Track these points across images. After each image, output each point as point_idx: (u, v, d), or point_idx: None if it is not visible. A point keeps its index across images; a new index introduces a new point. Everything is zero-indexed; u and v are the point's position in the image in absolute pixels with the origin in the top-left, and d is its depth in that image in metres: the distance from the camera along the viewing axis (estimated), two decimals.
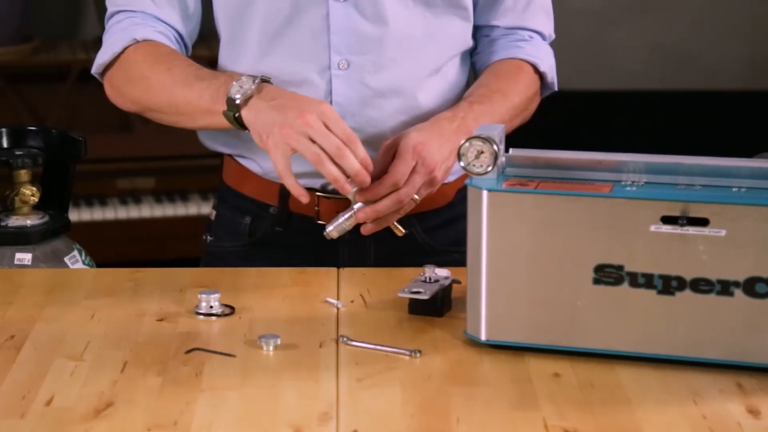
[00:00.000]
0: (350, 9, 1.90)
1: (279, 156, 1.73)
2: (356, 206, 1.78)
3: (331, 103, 1.90)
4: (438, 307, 1.70)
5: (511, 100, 1.93)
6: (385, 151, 1.82)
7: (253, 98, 1.77)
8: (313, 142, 1.71)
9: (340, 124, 1.73)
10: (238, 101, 1.76)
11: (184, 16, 1.96)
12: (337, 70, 1.91)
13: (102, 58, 1.94)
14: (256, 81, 1.78)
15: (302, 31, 1.90)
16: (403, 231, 1.76)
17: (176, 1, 1.95)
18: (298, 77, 1.91)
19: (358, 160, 1.72)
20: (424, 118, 1.91)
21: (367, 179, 1.73)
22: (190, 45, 2.00)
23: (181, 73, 1.86)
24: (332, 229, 1.78)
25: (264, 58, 1.92)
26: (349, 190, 1.74)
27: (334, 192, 1.88)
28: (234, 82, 1.77)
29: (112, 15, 1.97)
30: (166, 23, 1.95)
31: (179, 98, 1.86)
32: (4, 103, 3.75)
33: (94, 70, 1.96)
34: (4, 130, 2.06)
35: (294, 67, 1.91)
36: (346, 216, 1.78)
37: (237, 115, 1.77)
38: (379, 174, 1.78)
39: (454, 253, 1.97)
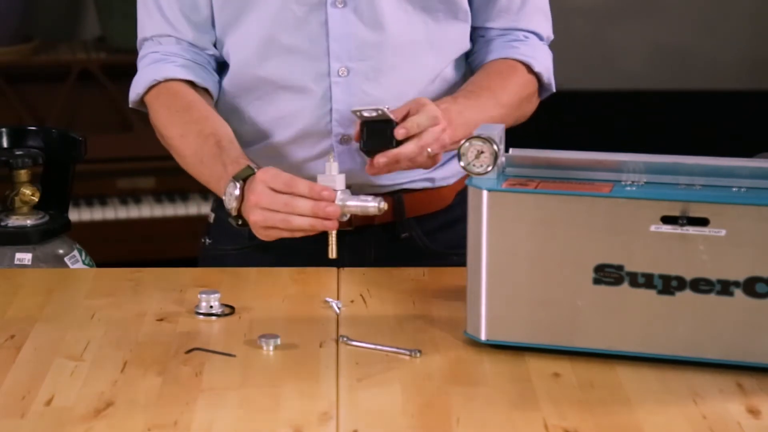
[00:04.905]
0: (349, 15, 1.89)
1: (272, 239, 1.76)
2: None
3: (330, 110, 1.91)
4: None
5: (499, 98, 1.92)
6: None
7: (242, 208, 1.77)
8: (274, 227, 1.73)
9: (279, 180, 1.72)
10: (233, 213, 1.78)
11: (199, 28, 1.95)
12: (336, 77, 1.91)
13: (132, 95, 1.97)
14: (239, 184, 1.76)
15: (301, 38, 1.90)
16: (336, 256, 1.76)
17: (190, 14, 1.94)
18: (298, 84, 1.91)
19: (309, 198, 1.70)
20: None
21: (329, 209, 1.70)
22: (213, 51, 1.98)
23: (190, 149, 1.88)
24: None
25: (264, 64, 1.92)
26: (332, 225, 1.72)
27: None
28: (225, 191, 1.78)
29: (142, 43, 1.99)
30: (188, 43, 1.95)
31: (191, 170, 1.90)
32: (4, 103, 3.74)
33: (131, 105, 1.98)
34: (4, 130, 2.06)
35: (294, 74, 1.91)
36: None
37: (240, 222, 1.79)
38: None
39: (453, 256, 1.97)
